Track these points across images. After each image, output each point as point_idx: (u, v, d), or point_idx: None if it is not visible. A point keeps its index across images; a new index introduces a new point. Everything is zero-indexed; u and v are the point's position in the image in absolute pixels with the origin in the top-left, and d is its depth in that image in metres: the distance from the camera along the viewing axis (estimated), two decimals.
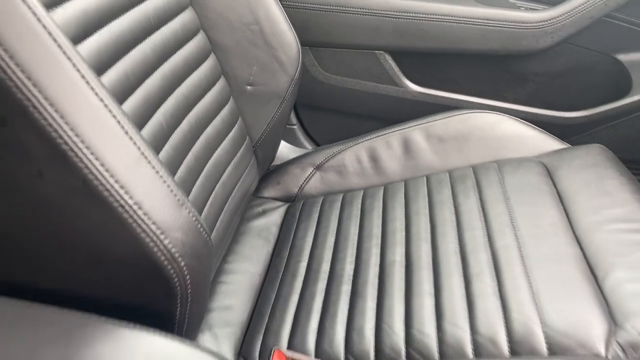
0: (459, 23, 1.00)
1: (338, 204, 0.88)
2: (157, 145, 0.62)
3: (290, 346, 0.64)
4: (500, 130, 0.91)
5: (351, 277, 0.73)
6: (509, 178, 0.81)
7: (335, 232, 0.82)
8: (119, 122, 0.40)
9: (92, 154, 0.38)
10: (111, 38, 0.57)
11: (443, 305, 0.63)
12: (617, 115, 1.02)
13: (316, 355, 0.63)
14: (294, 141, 1.21)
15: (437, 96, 1.09)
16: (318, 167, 0.96)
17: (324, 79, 1.12)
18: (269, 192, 0.97)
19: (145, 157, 0.42)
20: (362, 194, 0.89)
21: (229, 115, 0.82)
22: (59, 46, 0.38)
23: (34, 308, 0.39)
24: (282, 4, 0.84)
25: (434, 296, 0.65)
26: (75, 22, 0.51)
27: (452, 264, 0.69)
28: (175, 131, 0.67)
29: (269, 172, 1.00)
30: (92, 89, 0.39)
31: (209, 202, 0.74)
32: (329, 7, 1.03)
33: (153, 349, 0.36)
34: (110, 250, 0.41)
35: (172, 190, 0.43)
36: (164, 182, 0.43)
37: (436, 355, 0.59)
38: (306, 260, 0.79)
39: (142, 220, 0.40)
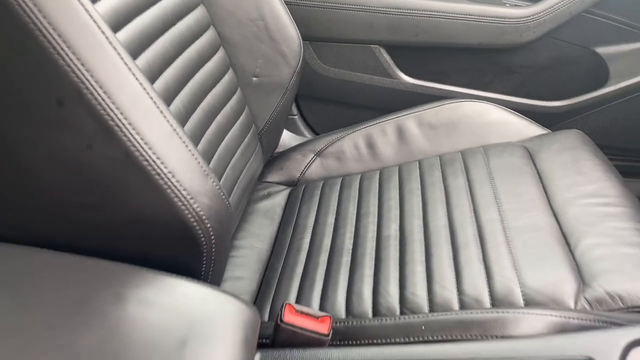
0: (448, 19, 1.07)
1: (337, 187, 0.95)
2: None
3: None
4: (486, 117, 0.98)
5: (350, 250, 0.80)
6: (494, 161, 0.88)
7: (335, 212, 0.89)
8: (154, 102, 0.47)
9: (133, 129, 0.45)
10: (136, 32, 0.63)
11: (433, 271, 0.71)
12: (596, 104, 1.09)
13: None
14: (294, 130, 1.27)
15: (428, 87, 1.15)
16: (318, 154, 1.03)
17: (323, 71, 1.19)
18: (272, 177, 1.04)
19: (177, 133, 0.49)
20: (359, 177, 0.96)
21: (237, 105, 0.89)
22: (105, 36, 0.45)
23: (81, 260, 0.46)
24: (284, 2, 0.91)
25: (425, 264, 0.72)
26: (108, 17, 0.57)
27: (441, 236, 0.76)
28: (191, 117, 0.74)
29: (273, 158, 1.06)
30: (133, 73, 0.46)
31: (220, 183, 0.81)
32: (328, 4, 1.10)
33: (188, 291, 0.44)
34: (147, 212, 0.48)
35: (199, 162, 0.50)
36: (192, 154, 0.50)
37: (426, 311, 0.66)
38: (309, 237, 0.86)
39: (175, 186, 0.47)
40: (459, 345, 0.48)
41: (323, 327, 0.54)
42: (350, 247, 0.80)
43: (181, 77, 0.73)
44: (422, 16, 1.07)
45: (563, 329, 0.54)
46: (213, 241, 0.51)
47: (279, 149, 1.09)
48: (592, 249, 0.67)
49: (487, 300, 0.65)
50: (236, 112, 0.89)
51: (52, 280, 0.44)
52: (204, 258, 0.51)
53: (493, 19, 1.04)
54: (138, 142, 0.45)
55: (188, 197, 0.48)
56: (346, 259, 0.78)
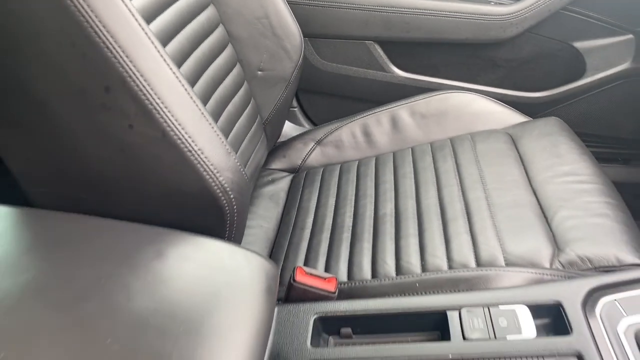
0: (438, 16, 1.15)
1: (337, 173, 1.03)
2: None
3: None
4: (473, 107, 1.06)
5: (350, 227, 0.88)
6: (480, 146, 0.96)
7: (335, 194, 0.97)
8: (185, 89, 0.55)
9: (169, 112, 0.53)
10: (158, 30, 0.71)
11: (425, 243, 0.79)
12: (574, 94, 1.18)
13: None
14: (295, 121, 1.34)
15: (419, 80, 1.22)
16: (318, 142, 1.10)
17: (321, 66, 1.26)
18: (276, 164, 1.12)
19: (204, 115, 0.56)
20: (357, 163, 1.03)
21: (244, 97, 0.97)
22: (144, 32, 0.52)
23: (125, 224, 0.54)
24: (286, 1, 0.99)
25: (418, 237, 0.80)
26: (140, 14, 0.65)
27: (432, 213, 0.84)
28: (205, 107, 0.81)
29: (276, 147, 1.14)
30: (167, 64, 0.54)
31: None
32: (326, 3, 1.17)
33: (218, 249, 0.51)
34: (179, 184, 0.56)
35: (222, 142, 0.58)
36: (217, 134, 0.57)
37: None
38: (312, 217, 0.94)
39: (204, 162, 0.55)
40: (449, 295, 0.56)
41: (330, 286, 0.62)
42: (350, 224, 0.88)
43: (195, 71, 0.80)
44: (413, 14, 1.15)
45: (538, 283, 0.63)
46: (235, 210, 0.58)
47: (282, 139, 1.16)
48: (566, 220, 0.76)
49: (473, 265, 0.73)
50: (243, 103, 0.96)
51: (100, 240, 0.51)
52: (227, 224, 0.59)
53: (479, 16, 1.12)
54: (173, 123, 0.53)
55: (215, 171, 0.56)
56: (346, 235, 0.86)
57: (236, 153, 0.92)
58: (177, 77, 0.54)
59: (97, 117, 0.53)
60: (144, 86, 0.51)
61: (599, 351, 0.47)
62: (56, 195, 0.58)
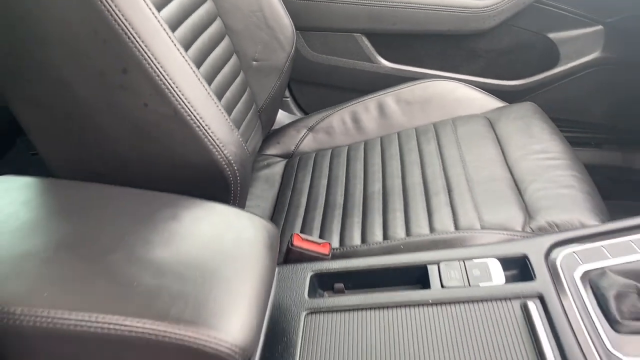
0: (422, 9, 1.22)
1: (328, 157, 1.09)
2: None
3: None
4: (455, 94, 1.13)
5: (342, 205, 0.95)
6: (460, 129, 1.04)
7: (327, 176, 1.04)
8: (194, 71, 0.62)
9: (180, 91, 0.59)
10: (167, 19, 0.77)
11: (410, 216, 0.86)
12: (549, 82, 1.25)
13: None
14: (288, 110, 1.40)
15: (405, 70, 1.29)
16: (310, 129, 1.17)
17: (312, 58, 1.32)
18: (271, 150, 1.18)
19: (210, 95, 0.63)
20: (347, 148, 1.10)
21: (241, 86, 1.03)
22: (156, 19, 0.59)
23: (142, 192, 0.60)
24: None
25: (404, 211, 0.87)
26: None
27: (416, 190, 0.91)
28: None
29: (270, 134, 1.20)
30: (177, 48, 0.60)
31: None
32: None
33: (227, 211, 0.58)
34: (188, 158, 0.62)
35: (226, 119, 0.64)
36: (221, 112, 0.64)
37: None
38: (306, 197, 1.00)
39: (211, 136, 0.62)
40: (429, 252, 0.64)
41: (325, 249, 0.69)
42: (342, 202, 0.95)
43: (196, 61, 0.86)
44: (399, 7, 1.22)
45: (509, 241, 0.70)
46: (239, 181, 0.65)
47: (275, 126, 1.23)
48: (537, 192, 0.83)
49: (452, 229, 0.80)
50: (240, 92, 1.03)
51: (121, 205, 0.57)
52: (232, 194, 0.65)
53: (459, 8, 1.19)
54: (183, 102, 0.59)
55: (220, 145, 0.62)
56: (338, 212, 0.93)
57: None
58: (186, 60, 0.61)
59: (115, 97, 0.59)
60: (157, 68, 0.58)
61: (558, 292, 0.54)
62: (77, 170, 0.64)
